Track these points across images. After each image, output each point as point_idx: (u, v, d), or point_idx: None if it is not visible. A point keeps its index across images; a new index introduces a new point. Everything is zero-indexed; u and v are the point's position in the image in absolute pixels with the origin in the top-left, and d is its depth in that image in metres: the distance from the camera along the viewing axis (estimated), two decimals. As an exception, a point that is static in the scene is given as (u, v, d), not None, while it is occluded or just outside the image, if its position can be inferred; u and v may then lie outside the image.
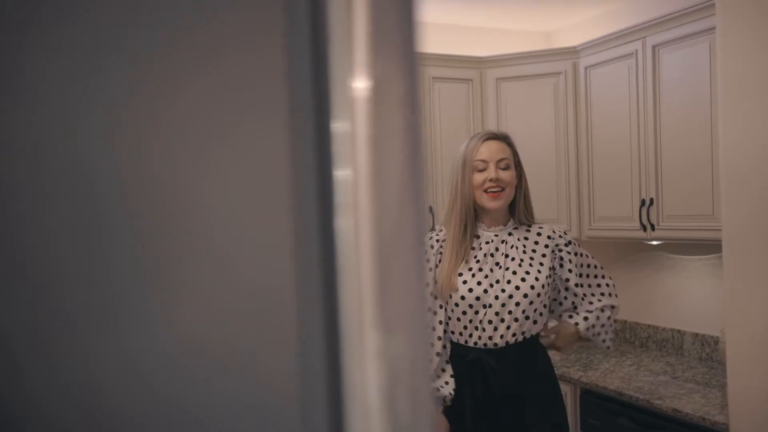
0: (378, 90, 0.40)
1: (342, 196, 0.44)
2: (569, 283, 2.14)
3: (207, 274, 0.30)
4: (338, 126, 0.43)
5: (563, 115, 3.36)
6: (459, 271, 2.08)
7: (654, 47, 2.90)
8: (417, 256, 0.40)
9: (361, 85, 0.43)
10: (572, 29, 3.84)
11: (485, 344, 2.04)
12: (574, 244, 2.21)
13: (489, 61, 3.46)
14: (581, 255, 2.22)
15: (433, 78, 3.38)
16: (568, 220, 3.36)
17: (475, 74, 3.46)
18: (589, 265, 2.23)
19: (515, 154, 2.16)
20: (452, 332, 2.10)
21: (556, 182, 3.37)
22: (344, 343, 0.45)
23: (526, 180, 2.18)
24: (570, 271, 2.15)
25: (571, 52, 3.35)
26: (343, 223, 0.46)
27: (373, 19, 0.42)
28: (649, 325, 3.38)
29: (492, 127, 3.41)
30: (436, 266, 2.13)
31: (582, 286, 2.19)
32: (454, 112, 3.42)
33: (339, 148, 0.43)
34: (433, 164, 3.37)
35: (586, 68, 3.29)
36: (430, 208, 3.36)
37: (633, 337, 3.47)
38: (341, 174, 0.43)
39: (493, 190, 2.07)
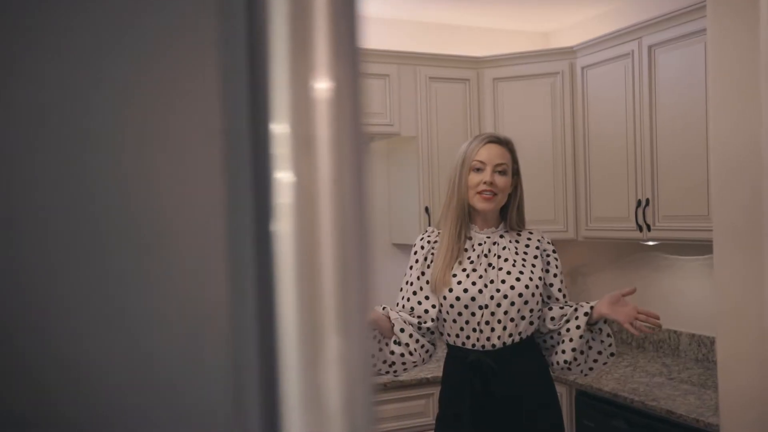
0: (334, 92, 0.40)
1: (297, 198, 0.44)
2: (553, 288, 2.14)
3: (133, 280, 0.30)
4: (289, 129, 0.43)
5: (560, 116, 3.35)
6: (453, 272, 2.08)
7: (650, 47, 2.89)
8: (367, 258, 0.40)
9: (319, 86, 0.42)
10: (571, 29, 3.83)
11: (483, 346, 2.04)
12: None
13: (486, 61, 3.46)
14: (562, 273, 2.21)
15: (430, 78, 3.38)
16: (564, 220, 3.36)
17: (472, 74, 3.45)
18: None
19: (515, 161, 2.15)
20: (448, 335, 2.10)
21: (552, 183, 3.37)
22: (302, 348, 0.45)
23: (521, 188, 2.18)
24: (555, 276, 2.15)
25: (568, 52, 3.34)
26: (299, 227, 0.46)
27: (330, 20, 0.42)
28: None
29: (489, 127, 3.41)
30: (428, 267, 2.13)
31: (564, 292, 2.17)
32: (450, 113, 3.42)
33: (292, 151, 0.43)
34: (430, 164, 3.37)
35: (582, 68, 3.29)
36: (426, 209, 3.36)
37: (630, 338, 3.46)
38: (293, 177, 0.43)
39: (485, 193, 2.07)
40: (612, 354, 2.11)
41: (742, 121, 1.71)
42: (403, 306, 2.13)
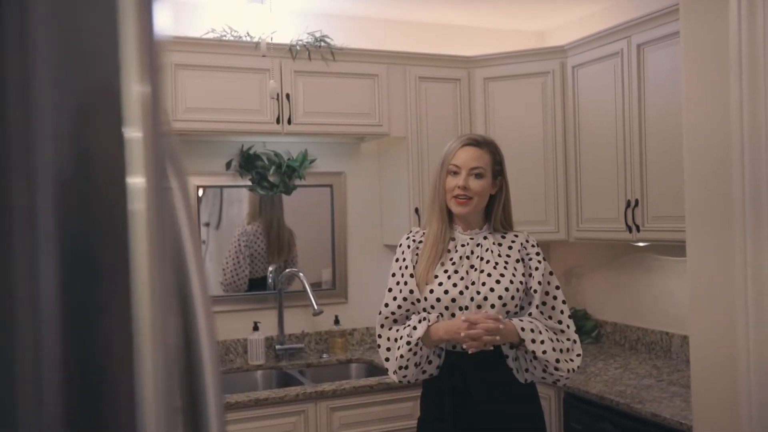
0: (151, 96, 0.39)
1: (146, 203, 0.43)
2: (531, 293, 2.10)
3: None
4: (139, 133, 0.42)
5: (551, 115, 3.32)
6: (435, 273, 2.07)
7: (639, 46, 2.87)
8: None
9: (141, 90, 0.41)
10: (567, 28, 3.79)
11: (462, 347, 2.03)
12: (546, 261, 2.14)
13: (476, 61, 3.44)
14: (550, 273, 2.14)
15: (420, 78, 3.36)
16: (556, 221, 3.33)
17: (462, 74, 3.43)
18: (554, 289, 2.14)
19: (497, 162, 2.12)
20: (428, 336, 2.09)
21: (543, 183, 3.34)
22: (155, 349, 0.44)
23: (507, 189, 2.15)
24: (532, 277, 2.11)
25: (559, 52, 3.31)
26: (149, 230, 0.45)
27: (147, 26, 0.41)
28: (638, 328, 3.34)
29: (479, 127, 3.39)
30: (413, 266, 2.12)
31: (543, 299, 2.12)
32: (440, 113, 3.40)
33: (139, 156, 0.42)
34: (420, 165, 3.35)
35: (573, 68, 3.26)
36: (417, 210, 3.34)
37: (623, 340, 3.43)
38: (138, 180, 0.43)
39: (460, 197, 2.06)
40: (554, 372, 2.01)
41: (715, 126, 1.68)
42: (400, 305, 2.09)
